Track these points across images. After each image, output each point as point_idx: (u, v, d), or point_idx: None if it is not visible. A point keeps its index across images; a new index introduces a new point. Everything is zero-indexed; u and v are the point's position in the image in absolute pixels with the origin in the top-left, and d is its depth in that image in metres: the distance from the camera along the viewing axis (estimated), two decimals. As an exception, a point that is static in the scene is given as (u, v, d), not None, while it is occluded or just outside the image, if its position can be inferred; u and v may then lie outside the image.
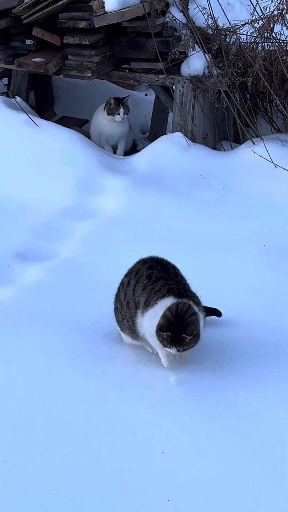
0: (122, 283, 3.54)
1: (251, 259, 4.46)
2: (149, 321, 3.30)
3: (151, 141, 6.38)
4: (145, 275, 3.41)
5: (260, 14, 6.15)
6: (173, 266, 3.51)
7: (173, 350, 3.21)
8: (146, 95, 8.10)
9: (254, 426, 3.01)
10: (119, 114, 6.22)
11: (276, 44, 6.09)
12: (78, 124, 6.87)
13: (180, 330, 3.17)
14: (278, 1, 5.94)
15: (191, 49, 5.98)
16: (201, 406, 3.12)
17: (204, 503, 2.62)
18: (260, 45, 6.15)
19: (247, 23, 6.13)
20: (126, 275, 3.55)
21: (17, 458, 2.82)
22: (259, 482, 2.72)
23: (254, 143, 5.93)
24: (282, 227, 4.91)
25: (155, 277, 3.38)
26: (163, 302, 3.29)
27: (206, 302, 3.55)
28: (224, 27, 6.03)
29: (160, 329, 3.19)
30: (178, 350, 3.20)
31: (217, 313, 3.74)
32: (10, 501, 2.61)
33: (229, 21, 6.04)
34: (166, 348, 3.22)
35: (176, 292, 3.30)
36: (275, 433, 2.98)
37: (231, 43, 6.06)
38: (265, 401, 3.17)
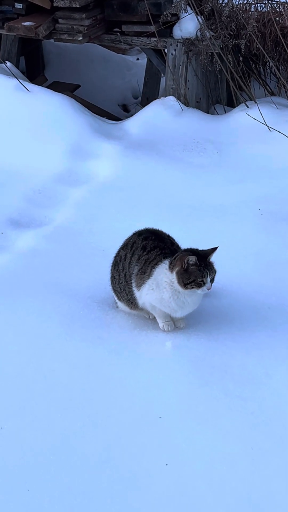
0: (119, 256, 3.50)
1: (246, 223, 4.44)
2: (148, 292, 3.29)
3: (144, 106, 6.32)
4: (140, 247, 3.39)
5: (253, -26, 6.07)
6: (168, 236, 3.48)
7: (207, 284, 3.19)
8: (137, 59, 8.02)
9: (251, 389, 3.01)
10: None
11: (269, 5, 6.02)
12: (70, 89, 6.80)
13: (204, 257, 3.21)
14: None
15: (183, 11, 5.91)
16: (198, 370, 3.11)
17: (202, 467, 2.62)
18: (253, 6, 6.09)
19: (240, -16, 6.06)
20: (122, 248, 3.51)
21: (15, 424, 2.82)
22: (257, 445, 2.72)
23: (248, 107, 5.88)
24: (277, 191, 4.89)
25: (149, 247, 3.36)
26: (159, 269, 3.27)
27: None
28: (217, -12, 5.95)
29: (188, 265, 3.16)
30: (211, 281, 3.21)
31: None
32: (8, 466, 2.61)
33: (221, -18, 5.96)
34: (200, 290, 3.20)
35: (171, 256, 3.30)
36: (272, 396, 2.98)
37: (223, 4, 6.00)
38: (261, 365, 3.16)
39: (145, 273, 3.32)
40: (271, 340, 3.33)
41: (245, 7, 6.07)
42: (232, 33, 5.88)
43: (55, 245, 4.25)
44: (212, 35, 5.85)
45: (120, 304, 3.54)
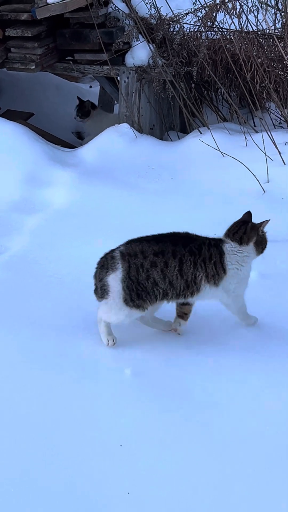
0: (151, 264, 3.37)
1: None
2: (236, 277, 3.43)
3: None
4: (187, 253, 3.39)
5: (203, 3, 6.16)
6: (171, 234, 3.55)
7: None
8: (91, 87, 8.05)
9: (212, 414, 3.02)
10: None
11: (220, 33, 6.11)
12: (23, 117, 6.79)
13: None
14: (220, -10, 5.95)
15: (135, 39, 5.96)
16: (158, 396, 3.11)
17: (164, 494, 2.61)
18: (203, 34, 6.17)
19: (190, 12, 6.14)
20: (155, 255, 3.39)
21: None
22: (219, 471, 2.72)
23: (201, 133, 5.94)
24: (231, 216, 4.91)
25: (195, 248, 3.43)
26: (229, 255, 3.43)
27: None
28: (167, 17, 6.02)
29: (263, 232, 3.49)
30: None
31: None
32: None
33: (172, 11, 6.03)
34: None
35: (213, 239, 3.52)
36: (233, 420, 2.99)
37: (174, 32, 6.06)
38: (222, 389, 3.17)
39: (217, 270, 3.41)
40: (231, 364, 3.34)
41: (196, 35, 6.15)
42: (183, 60, 5.94)
43: (11, 274, 4.22)
44: (164, 63, 5.91)
45: (134, 312, 3.40)
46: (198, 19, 6.16)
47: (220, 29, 6.14)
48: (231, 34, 6.07)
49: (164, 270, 3.36)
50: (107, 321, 3.47)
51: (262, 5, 6.97)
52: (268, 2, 7.10)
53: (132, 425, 2.95)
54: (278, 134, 5.77)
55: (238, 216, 4.86)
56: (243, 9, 6.11)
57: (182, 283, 3.38)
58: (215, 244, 3.47)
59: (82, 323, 3.68)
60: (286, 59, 5.78)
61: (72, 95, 7.31)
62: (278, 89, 6.04)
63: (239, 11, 5.98)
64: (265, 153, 5.37)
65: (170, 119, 6.33)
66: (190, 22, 6.23)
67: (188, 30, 6.18)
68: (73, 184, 5.34)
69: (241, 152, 5.55)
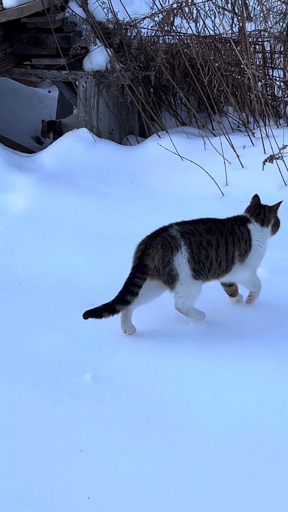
0: (208, 242, 3.50)
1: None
2: (258, 252, 3.68)
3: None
4: (228, 232, 3.57)
5: (160, 7, 6.19)
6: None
7: None
8: (49, 91, 8.03)
9: (171, 417, 3.02)
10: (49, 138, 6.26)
11: (177, 37, 6.14)
12: (-19, 123, 6.75)
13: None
14: (177, -6, 5.98)
15: (92, 44, 5.96)
16: (117, 401, 3.11)
17: (124, 498, 2.61)
18: (161, 38, 6.19)
19: (147, 17, 6.17)
20: (207, 232, 3.52)
21: None
22: (179, 473, 2.72)
23: (160, 137, 5.96)
24: (191, 218, 4.94)
25: (234, 228, 3.62)
26: (254, 232, 3.67)
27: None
28: (125, 21, 6.04)
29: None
30: None
31: None
32: None
33: (129, 15, 6.05)
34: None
35: (238, 219, 3.71)
36: (193, 423, 3.00)
37: (132, 37, 6.08)
38: (180, 392, 3.17)
39: (246, 247, 3.63)
40: (189, 366, 3.35)
41: (154, 39, 6.17)
42: (141, 65, 5.96)
43: None
44: (122, 67, 5.92)
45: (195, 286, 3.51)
46: (155, 24, 6.19)
47: (177, 34, 6.18)
48: (188, 38, 6.10)
49: (217, 249, 3.53)
50: (187, 304, 3.53)
51: (219, 9, 7.03)
52: (225, 7, 7.17)
53: (92, 430, 2.94)
54: (236, 137, 5.82)
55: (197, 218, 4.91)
56: (200, 14, 6.15)
57: (226, 261, 3.56)
58: (242, 224, 3.68)
59: (41, 327, 3.67)
60: (243, 63, 5.83)
61: (30, 100, 7.29)
62: (236, 93, 6.09)
63: (196, 16, 6.02)
64: (223, 157, 5.41)
65: (129, 124, 6.34)
66: (148, 26, 6.25)
67: (145, 35, 6.20)
68: (32, 189, 5.32)
69: (200, 155, 5.58)
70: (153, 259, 3.42)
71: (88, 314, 3.40)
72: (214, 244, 3.51)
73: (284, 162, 5.10)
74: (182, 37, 6.19)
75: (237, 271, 3.65)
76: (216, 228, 3.56)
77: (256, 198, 3.80)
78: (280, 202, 3.78)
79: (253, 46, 6.18)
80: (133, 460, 2.78)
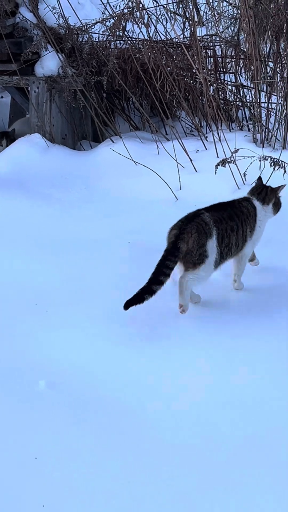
0: (231, 229, 3.77)
1: (117, 256, 4.45)
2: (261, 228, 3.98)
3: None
4: (240, 213, 3.85)
5: (111, 12, 6.18)
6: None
7: None
8: (1, 97, 7.97)
9: (127, 422, 3.00)
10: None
11: (129, 42, 6.14)
12: None
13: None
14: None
15: (43, 49, 5.94)
16: (72, 407, 3.08)
17: (79, 506, 2.59)
18: (112, 43, 6.19)
19: (99, 22, 6.16)
20: (226, 220, 3.77)
21: None
22: (134, 478, 2.71)
23: (113, 142, 5.96)
24: (145, 223, 4.95)
25: (244, 208, 3.90)
26: (259, 210, 3.96)
27: (79, 301, 3.52)
28: (76, 26, 6.02)
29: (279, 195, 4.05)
30: None
31: None
32: None
33: (80, 20, 6.04)
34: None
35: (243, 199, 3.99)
36: (149, 428, 2.98)
37: (83, 42, 6.06)
38: (135, 396, 3.16)
39: (253, 224, 3.91)
40: (144, 370, 3.34)
41: (105, 44, 6.17)
42: (93, 70, 5.95)
43: None
44: (74, 72, 5.90)
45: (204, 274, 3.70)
46: (107, 29, 6.19)
47: (128, 39, 6.18)
48: (140, 43, 6.11)
49: (237, 233, 3.80)
50: (192, 286, 3.72)
51: (171, 14, 7.06)
52: (176, 11, 7.20)
53: (47, 437, 2.91)
54: (189, 141, 5.84)
55: (152, 223, 4.92)
56: (151, 19, 6.16)
57: (242, 242, 3.85)
58: (248, 202, 3.96)
59: (-6, 336, 3.64)
60: (195, 68, 5.86)
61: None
62: (188, 97, 6.12)
63: (147, 21, 6.03)
64: (176, 161, 5.42)
65: (82, 129, 6.33)
66: (99, 31, 6.24)
67: (97, 40, 6.19)
68: (-16, 196, 5.28)
69: (153, 160, 5.59)
70: (187, 242, 3.62)
71: (129, 304, 3.54)
72: (235, 229, 3.80)
73: (236, 166, 5.13)
74: (134, 42, 6.19)
75: (247, 245, 3.93)
76: (234, 213, 3.84)
77: (259, 180, 4.13)
78: (283, 185, 4.06)
79: (204, 50, 6.20)
80: (88, 467, 2.76)
